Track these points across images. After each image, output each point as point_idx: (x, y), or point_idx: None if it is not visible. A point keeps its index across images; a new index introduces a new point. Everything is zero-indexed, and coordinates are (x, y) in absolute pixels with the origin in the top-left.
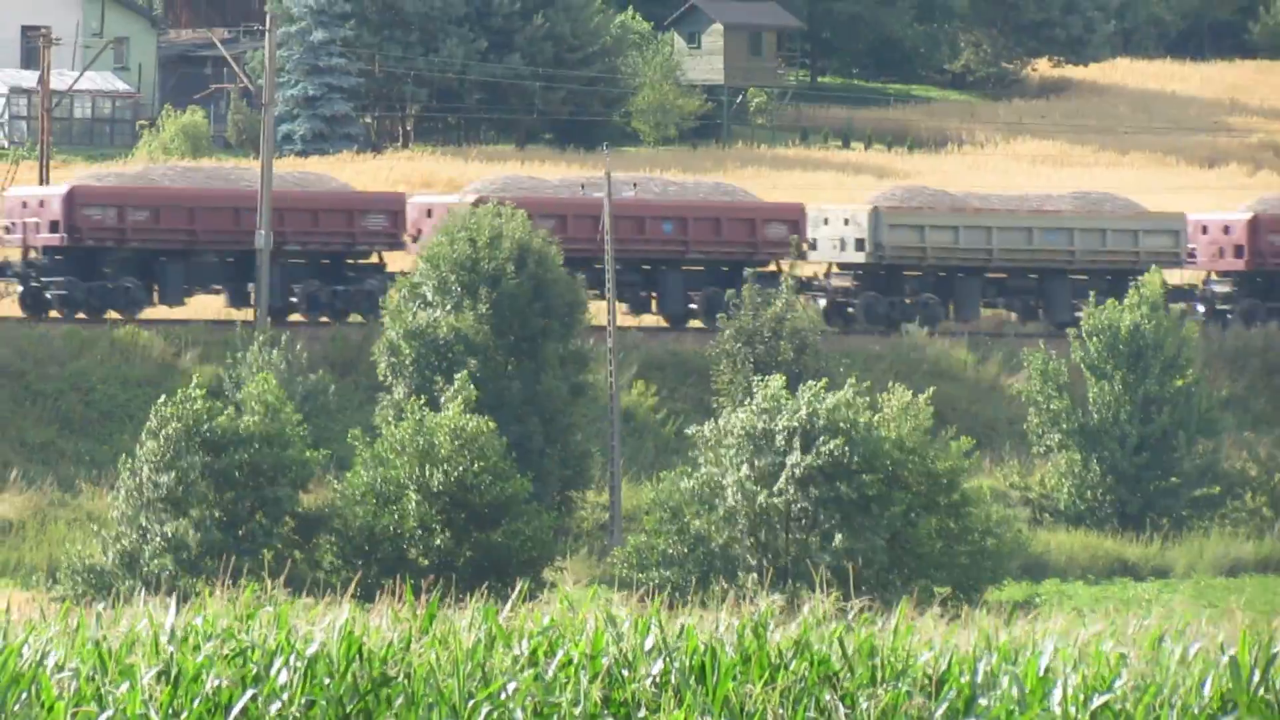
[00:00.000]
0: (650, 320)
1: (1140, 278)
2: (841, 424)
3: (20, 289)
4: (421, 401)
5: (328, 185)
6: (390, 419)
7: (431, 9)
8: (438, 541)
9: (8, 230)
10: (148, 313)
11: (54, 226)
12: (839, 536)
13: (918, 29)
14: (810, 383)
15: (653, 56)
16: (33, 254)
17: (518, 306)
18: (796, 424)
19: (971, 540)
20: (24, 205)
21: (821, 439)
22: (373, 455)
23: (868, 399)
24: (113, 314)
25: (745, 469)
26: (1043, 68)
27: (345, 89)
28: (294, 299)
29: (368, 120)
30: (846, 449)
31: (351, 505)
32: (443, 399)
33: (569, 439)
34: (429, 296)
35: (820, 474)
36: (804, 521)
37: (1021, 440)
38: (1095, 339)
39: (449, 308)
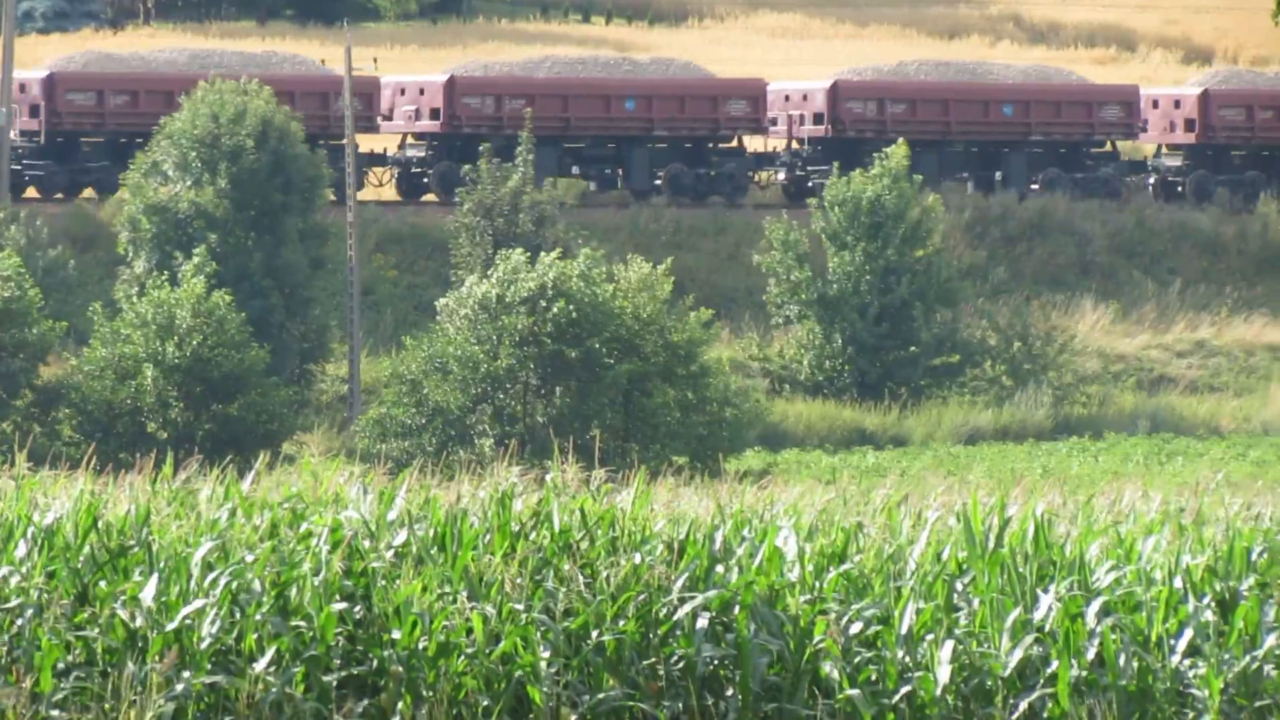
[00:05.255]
0: (388, 194)
1: (885, 150)
2: (572, 290)
3: None
4: (164, 277)
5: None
6: (131, 294)
7: None
8: (175, 415)
9: None
10: None
11: None
12: (566, 400)
13: None
14: (546, 254)
15: None
16: None
17: (257, 182)
18: (527, 292)
19: (710, 410)
20: None
21: (547, 303)
22: (111, 330)
23: (605, 269)
24: None
25: (471, 336)
26: None
27: None
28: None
29: None
30: (574, 312)
31: (89, 381)
32: (180, 274)
33: (309, 313)
34: (170, 173)
35: (547, 338)
36: (536, 388)
37: (761, 311)
38: (837, 209)
39: (189, 183)
